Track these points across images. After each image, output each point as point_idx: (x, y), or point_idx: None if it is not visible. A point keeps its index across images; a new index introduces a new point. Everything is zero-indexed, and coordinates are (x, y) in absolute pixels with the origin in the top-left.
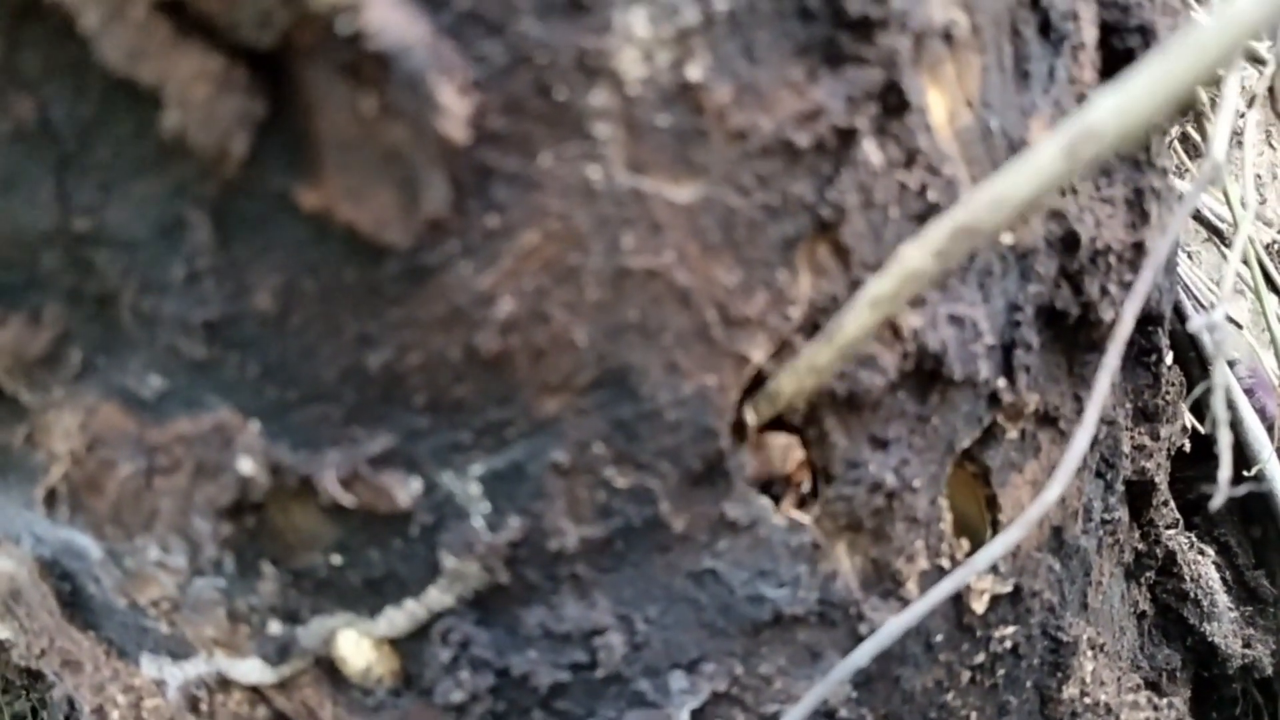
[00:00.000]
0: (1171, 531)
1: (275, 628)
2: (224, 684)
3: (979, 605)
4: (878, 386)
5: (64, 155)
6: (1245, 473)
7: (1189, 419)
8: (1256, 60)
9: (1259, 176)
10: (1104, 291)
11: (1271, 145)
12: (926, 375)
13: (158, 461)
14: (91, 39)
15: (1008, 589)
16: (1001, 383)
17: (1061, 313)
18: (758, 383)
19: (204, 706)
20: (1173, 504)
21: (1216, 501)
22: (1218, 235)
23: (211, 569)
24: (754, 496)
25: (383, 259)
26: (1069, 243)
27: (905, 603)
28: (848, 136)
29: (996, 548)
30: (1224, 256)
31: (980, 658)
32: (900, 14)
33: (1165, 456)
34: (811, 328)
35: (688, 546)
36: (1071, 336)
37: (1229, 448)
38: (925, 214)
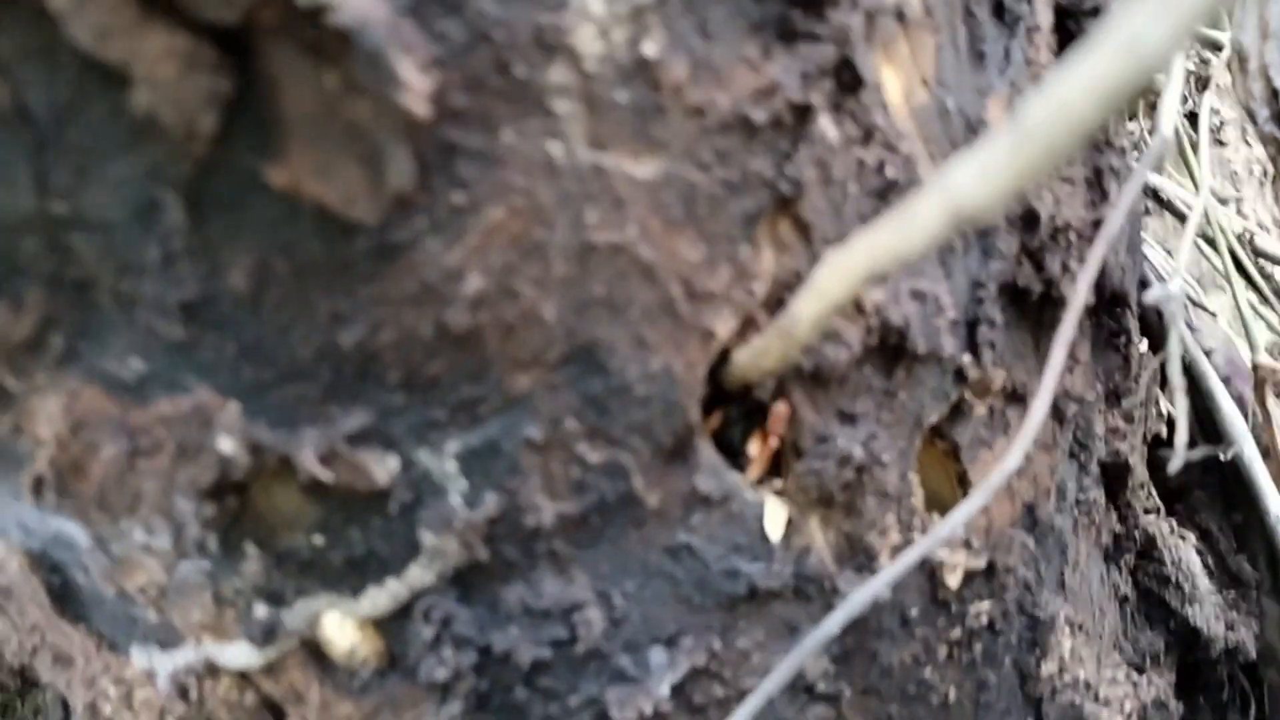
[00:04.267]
0: (1152, 516)
1: (260, 610)
2: (212, 670)
3: (953, 580)
4: (843, 361)
5: (40, 139)
6: (1221, 458)
7: (1165, 405)
8: (1213, 45)
9: (1235, 173)
10: (1065, 268)
11: (1247, 142)
12: (891, 350)
13: (140, 443)
14: (61, 19)
15: (981, 564)
16: (966, 358)
17: (1024, 290)
18: (725, 358)
19: (193, 695)
20: (1152, 488)
21: (1175, 464)
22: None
23: (196, 551)
24: (725, 471)
25: (352, 236)
26: (1029, 220)
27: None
28: (804, 113)
29: (959, 516)
30: (1199, 249)
31: (956, 633)
32: None
33: (1140, 439)
34: (776, 303)
35: (662, 521)
36: (1036, 314)
37: (1185, 413)
38: (884, 190)
